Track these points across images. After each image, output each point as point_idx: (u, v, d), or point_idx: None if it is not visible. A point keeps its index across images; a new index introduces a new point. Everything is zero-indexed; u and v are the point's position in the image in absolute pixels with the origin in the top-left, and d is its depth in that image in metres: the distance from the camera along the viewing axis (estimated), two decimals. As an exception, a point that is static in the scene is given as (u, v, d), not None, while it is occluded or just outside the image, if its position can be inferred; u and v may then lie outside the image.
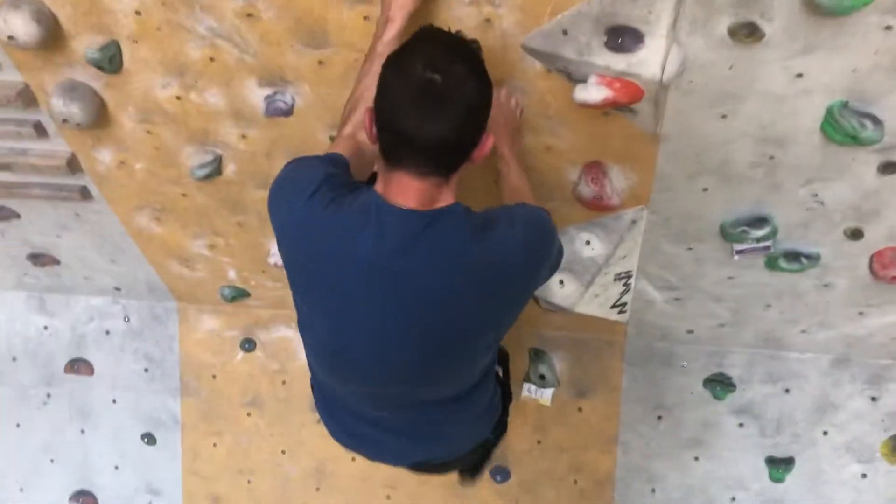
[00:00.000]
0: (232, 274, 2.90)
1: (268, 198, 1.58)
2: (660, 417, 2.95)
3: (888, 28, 1.71)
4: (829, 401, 2.82)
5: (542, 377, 2.93)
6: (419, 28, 1.48)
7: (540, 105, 2.01)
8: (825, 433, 2.85)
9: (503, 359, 2.06)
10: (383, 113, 1.37)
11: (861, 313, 2.56)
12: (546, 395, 2.97)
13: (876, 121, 1.90)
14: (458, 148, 1.41)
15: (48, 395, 3.33)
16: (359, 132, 1.63)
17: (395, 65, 1.38)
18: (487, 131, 1.43)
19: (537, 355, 2.92)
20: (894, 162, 2.02)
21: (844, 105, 1.90)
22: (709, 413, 2.91)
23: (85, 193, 2.59)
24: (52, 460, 3.40)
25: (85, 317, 3.23)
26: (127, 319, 3.20)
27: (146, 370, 3.23)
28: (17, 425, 3.38)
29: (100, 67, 2.09)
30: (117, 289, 3.13)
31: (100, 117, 2.24)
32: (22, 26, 1.92)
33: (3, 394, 3.34)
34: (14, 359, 3.31)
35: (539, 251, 1.56)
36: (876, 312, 2.55)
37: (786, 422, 2.87)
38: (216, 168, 2.40)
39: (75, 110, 2.15)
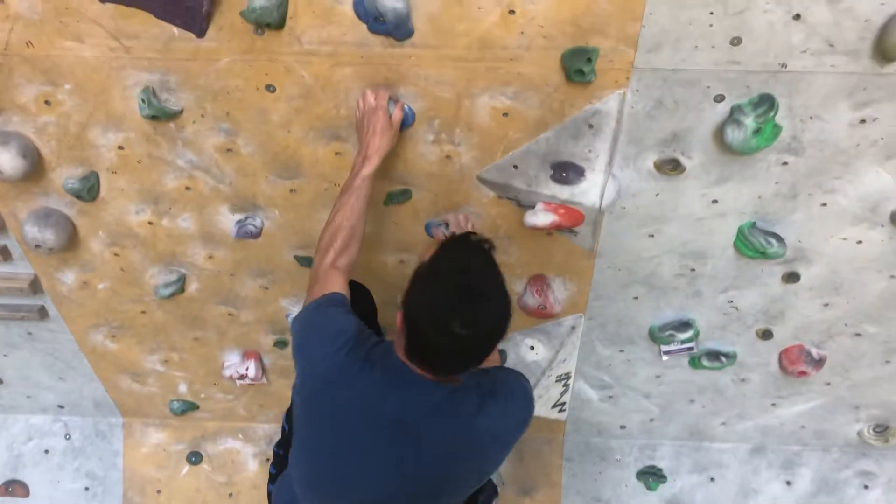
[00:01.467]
0: (183, 388, 2.95)
1: (295, 339, 1.74)
2: (598, 511, 3.12)
3: (785, 164, 2.05)
4: (749, 487, 3.07)
5: (487, 477, 3.06)
6: (448, 244, 1.68)
7: (492, 227, 2.25)
8: (748, 517, 3.08)
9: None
10: (419, 325, 1.51)
11: (773, 404, 2.85)
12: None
13: (779, 238, 2.22)
14: (476, 363, 1.60)
15: (-21, 521, 3.22)
16: (339, 259, 1.84)
17: (426, 290, 1.54)
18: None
19: (482, 456, 3.06)
20: (796, 272, 2.34)
21: (753, 225, 2.22)
22: (642, 503, 3.11)
23: (42, 313, 2.63)
24: (-21, 591, 3.25)
25: (23, 436, 3.18)
26: (68, 437, 3.17)
27: (87, 489, 3.18)
28: (-57, 555, 3.23)
29: (77, 196, 2.20)
30: (60, 406, 3.10)
31: (70, 242, 2.33)
32: (9, 161, 2.03)
33: (-69, 521, 3.21)
34: (-56, 483, 3.20)
35: (526, 421, 1.79)
36: (786, 403, 2.84)
37: (713, 508, 3.10)
38: (180, 287, 2.51)
39: (49, 236, 2.24)
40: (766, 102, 1.91)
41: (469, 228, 2.21)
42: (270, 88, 1.95)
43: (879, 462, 3.02)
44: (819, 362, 2.64)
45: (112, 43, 1.89)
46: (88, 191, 2.19)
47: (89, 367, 2.88)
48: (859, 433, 2.93)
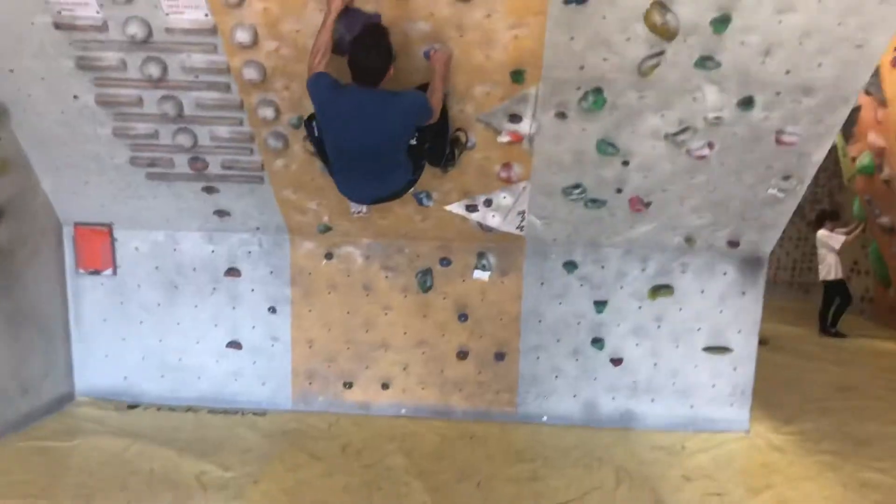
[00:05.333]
0: (326, 218, 5.63)
1: (309, 91, 4.13)
2: (542, 283, 5.83)
3: (612, 113, 4.63)
4: (622, 271, 5.74)
5: (483, 266, 5.78)
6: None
7: (486, 141, 4.84)
8: (622, 287, 5.77)
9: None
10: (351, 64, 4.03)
11: (631, 227, 5.49)
12: (485, 276, 5.82)
13: (614, 146, 4.80)
14: (375, 77, 4.06)
15: (214, 289, 5.99)
16: (322, 62, 4.07)
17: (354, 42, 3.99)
18: (391, 67, 4.07)
19: (480, 254, 5.76)
20: (627, 160, 4.93)
21: (603, 140, 4.79)
22: (566, 280, 5.80)
23: (261, 180, 5.29)
24: (215, 325, 6.04)
25: (237, 244, 5.89)
26: (261, 245, 5.89)
27: (271, 272, 5.93)
28: (195, 306, 6.01)
29: (294, 126, 4.82)
30: (258, 228, 5.82)
31: (285, 147, 4.97)
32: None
33: (188, 289, 5.98)
34: (194, 269, 5.96)
35: (408, 108, 4.10)
36: (638, 226, 5.47)
37: (602, 283, 5.78)
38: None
39: (279, 144, 4.88)
40: (598, 91, 4.45)
41: (448, 52, 4.27)
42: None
43: (692, 258, 5.66)
44: (648, 204, 5.26)
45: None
46: (299, 125, 4.80)
47: (278, 208, 5.55)
48: (677, 243, 5.59)
